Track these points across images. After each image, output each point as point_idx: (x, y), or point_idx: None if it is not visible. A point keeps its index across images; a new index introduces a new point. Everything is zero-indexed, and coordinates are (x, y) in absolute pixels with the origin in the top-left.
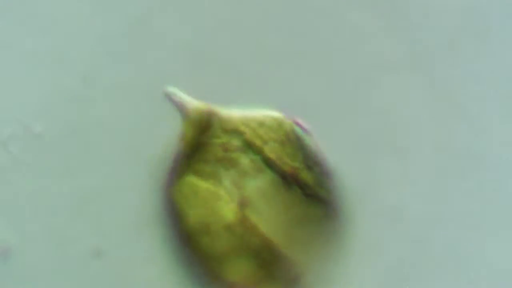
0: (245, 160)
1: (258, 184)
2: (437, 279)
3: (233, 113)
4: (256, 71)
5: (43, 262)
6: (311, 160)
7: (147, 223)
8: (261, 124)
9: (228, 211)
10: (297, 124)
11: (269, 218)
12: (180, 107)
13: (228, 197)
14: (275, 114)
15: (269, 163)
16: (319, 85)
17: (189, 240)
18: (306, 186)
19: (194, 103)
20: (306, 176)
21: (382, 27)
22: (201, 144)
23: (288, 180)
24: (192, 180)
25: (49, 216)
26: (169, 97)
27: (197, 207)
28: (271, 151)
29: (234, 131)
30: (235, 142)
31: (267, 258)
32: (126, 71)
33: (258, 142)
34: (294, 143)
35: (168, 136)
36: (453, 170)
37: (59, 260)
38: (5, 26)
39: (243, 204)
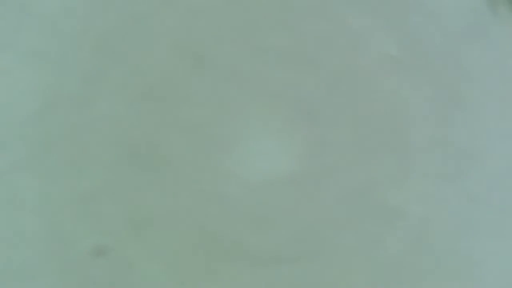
0: None
1: None
2: (437, 279)
3: None
4: (256, 72)
5: (42, 262)
6: None
7: (147, 223)
8: None
9: None
10: None
11: None
12: None
13: None
14: None
15: None
16: (319, 85)
17: None
18: None
19: None
20: None
21: (382, 26)
22: None
23: None
24: None
25: (49, 216)
26: None
27: None
28: None
29: None
30: None
31: None
32: (126, 70)
33: None
34: None
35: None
36: (453, 170)
37: (59, 260)
38: (5, 26)
39: None
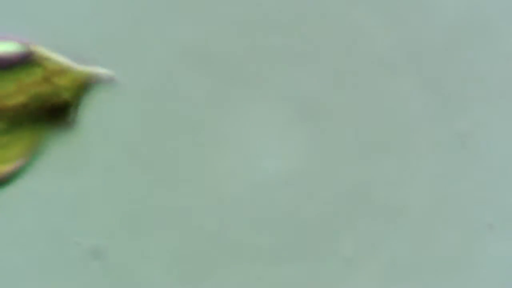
0: None
1: None
2: (437, 279)
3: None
4: (256, 71)
5: (42, 262)
6: None
7: (146, 222)
8: None
9: None
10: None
11: None
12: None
13: None
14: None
15: None
16: (319, 84)
17: None
18: None
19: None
20: None
21: (382, 27)
22: None
23: None
24: None
25: (49, 216)
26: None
27: None
28: None
29: None
30: None
31: None
32: (126, 70)
33: None
34: None
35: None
36: (453, 169)
37: (58, 260)
38: (4, 25)
39: None
